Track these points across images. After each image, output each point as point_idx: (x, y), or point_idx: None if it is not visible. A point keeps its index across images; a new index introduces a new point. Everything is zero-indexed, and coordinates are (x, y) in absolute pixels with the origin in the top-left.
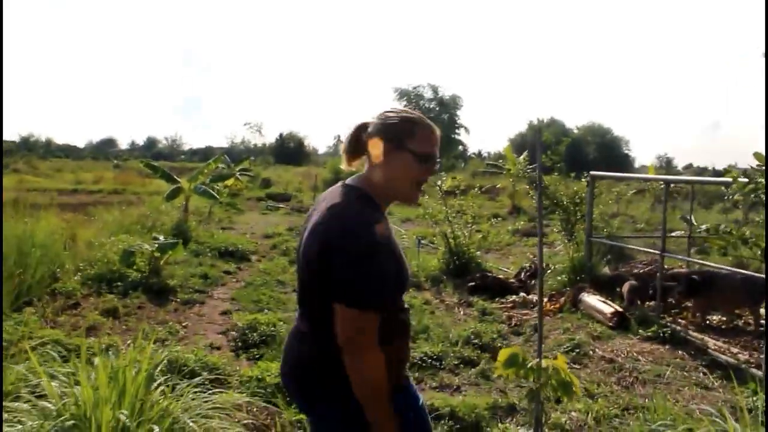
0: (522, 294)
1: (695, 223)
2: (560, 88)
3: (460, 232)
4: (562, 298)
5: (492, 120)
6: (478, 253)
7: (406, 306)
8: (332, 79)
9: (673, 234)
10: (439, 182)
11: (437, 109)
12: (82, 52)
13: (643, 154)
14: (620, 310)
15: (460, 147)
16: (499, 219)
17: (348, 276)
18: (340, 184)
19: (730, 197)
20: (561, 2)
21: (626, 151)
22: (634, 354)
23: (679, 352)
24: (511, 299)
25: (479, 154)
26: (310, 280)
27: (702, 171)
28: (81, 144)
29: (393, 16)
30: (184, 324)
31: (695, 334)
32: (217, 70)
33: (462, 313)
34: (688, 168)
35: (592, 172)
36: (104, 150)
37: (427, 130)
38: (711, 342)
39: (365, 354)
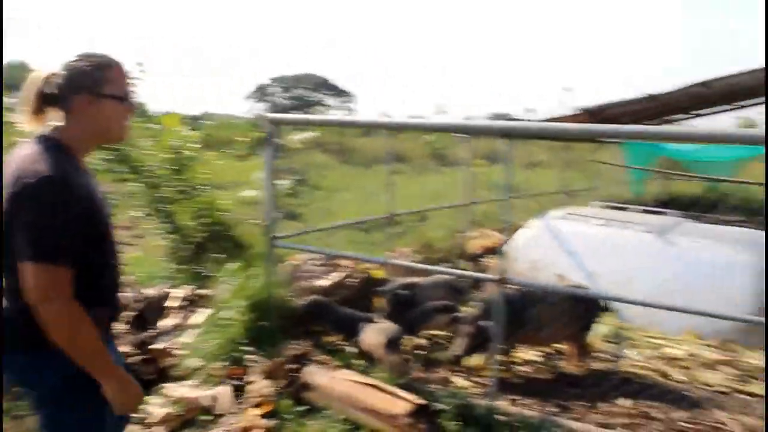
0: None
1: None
2: None
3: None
4: (251, 377)
5: None
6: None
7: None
8: None
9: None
10: None
11: None
12: None
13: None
14: (421, 402)
15: None
16: None
17: (33, 229)
18: (34, 138)
19: None
20: None
21: None
22: None
23: None
24: None
25: None
26: (10, 241)
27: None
28: None
29: None
30: None
31: None
32: None
33: None
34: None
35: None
36: None
37: (119, 69)
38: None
39: (60, 308)
